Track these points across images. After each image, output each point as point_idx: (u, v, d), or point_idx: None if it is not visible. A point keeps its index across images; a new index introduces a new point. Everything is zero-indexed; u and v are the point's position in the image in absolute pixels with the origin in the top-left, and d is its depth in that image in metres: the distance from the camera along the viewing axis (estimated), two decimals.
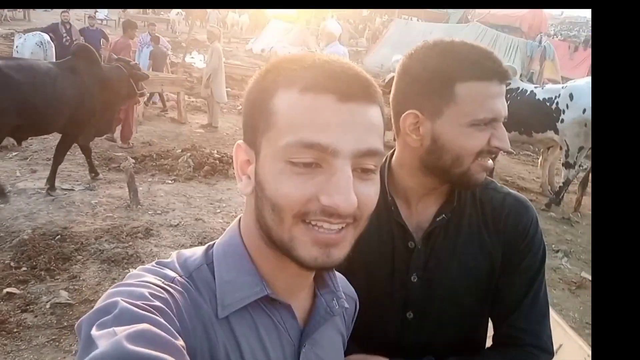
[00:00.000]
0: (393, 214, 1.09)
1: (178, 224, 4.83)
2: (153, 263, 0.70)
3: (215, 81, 8.40)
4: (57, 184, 5.23)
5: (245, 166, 0.69)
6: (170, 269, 0.68)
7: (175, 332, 0.56)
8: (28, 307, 3.28)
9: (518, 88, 6.79)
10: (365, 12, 28.50)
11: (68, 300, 3.39)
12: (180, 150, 6.88)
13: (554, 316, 2.22)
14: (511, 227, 1.08)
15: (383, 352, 1.06)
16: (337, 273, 0.83)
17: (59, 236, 4.22)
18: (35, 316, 3.20)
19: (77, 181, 5.59)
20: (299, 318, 0.74)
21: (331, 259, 0.64)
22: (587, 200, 6.83)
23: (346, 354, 0.97)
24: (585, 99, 5.99)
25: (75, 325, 0.57)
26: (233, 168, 0.72)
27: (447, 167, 1.00)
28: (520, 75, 12.27)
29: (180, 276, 0.67)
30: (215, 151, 6.97)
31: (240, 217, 0.75)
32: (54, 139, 6.63)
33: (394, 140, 1.12)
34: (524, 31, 20.28)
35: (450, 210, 1.08)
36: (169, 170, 6.24)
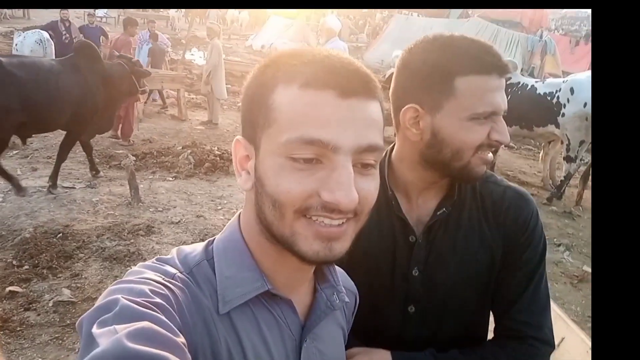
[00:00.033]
0: (394, 209, 1.09)
1: (179, 221, 4.83)
2: (153, 259, 0.70)
3: (215, 78, 8.39)
4: (58, 181, 5.24)
5: (245, 161, 0.69)
6: (171, 266, 0.68)
7: (176, 329, 0.56)
8: (31, 305, 3.29)
9: (519, 82, 6.79)
10: None
11: (70, 298, 3.40)
12: (180, 148, 6.88)
13: (556, 310, 2.22)
14: (511, 220, 1.08)
15: (385, 346, 1.06)
16: (337, 267, 0.83)
17: (61, 234, 4.23)
18: (38, 314, 3.21)
19: (78, 179, 5.60)
20: (299, 313, 0.74)
21: (333, 253, 0.64)
22: (588, 194, 6.83)
23: (348, 347, 0.98)
24: (586, 93, 5.98)
25: (77, 323, 0.57)
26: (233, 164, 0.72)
27: (447, 161, 1.00)
28: (521, 70, 12.24)
29: (181, 272, 0.67)
30: (216, 148, 6.97)
31: (240, 213, 0.75)
32: (54, 137, 6.65)
33: (395, 136, 1.12)
34: (524, 26, 20.21)
35: (450, 204, 1.08)
36: (169, 168, 6.24)
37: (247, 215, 0.72)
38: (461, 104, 0.96)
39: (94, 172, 5.69)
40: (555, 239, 5.47)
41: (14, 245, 3.98)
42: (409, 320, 1.11)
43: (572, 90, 6.16)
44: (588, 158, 7.15)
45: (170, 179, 5.97)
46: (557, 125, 6.33)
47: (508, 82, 6.66)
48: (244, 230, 0.72)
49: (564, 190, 6.71)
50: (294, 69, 0.63)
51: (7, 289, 3.39)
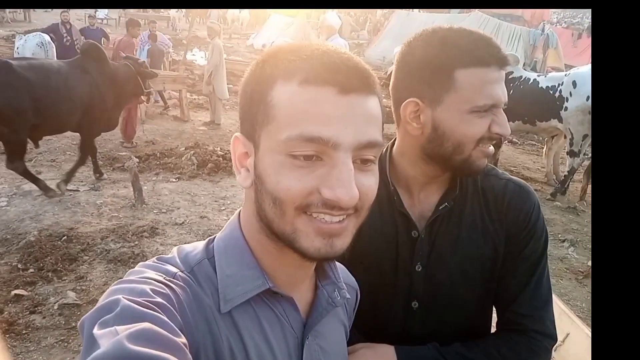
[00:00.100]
0: (395, 204, 1.09)
1: (183, 222, 4.84)
2: (154, 259, 0.69)
3: (216, 78, 8.39)
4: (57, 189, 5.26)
5: (244, 159, 0.69)
6: (172, 265, 0.68)
7: (177, 329, 0.56)
8: (36, 308, 3.30)
9: (521, 77, 6.75)
10: None
11: (76, 300, 3.41)
12: (183, 148, 6.90)
13: (561, 306, 2.21)
14: (513, 214, 1.08)
15: (388, 341, 1.06)
16: (337, 263, 0.83)
17: (65, 237, 4.25)
18: (44, 317, 3.22)
19: (82, 182, 5.61)
20: (301, 310, 0.74)
21: (334, 249, 0.64)
22: None
23: (351, 343, 0.97)
24: (588, 86, 5.93)
25: (79, 323, 0.57)
26: None
27: (449, 155, 1.00)
28: (524, 64, 12.19)
29: (182, 271, 0.67)
30: (219, 148, 6.98)
31: (239, 211, 0.75)
32: (57, 140, 6.68)
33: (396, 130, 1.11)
34: (526, 20, 20.16)
35: (452, 198, 1.08)
36: (172, 169, 6.26)
37: (247, 213, 0.71)
38: (461, 97, 0.96)
39: (97, 175, 5.72)
40: (559, 235, 5.44)
41: (19, 249, 4.00)
42: (412, 315, 1.10)
43: (574, 84, 6.12)
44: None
45: (174, 180, 5.98)
46: (560, 120, 6.29)
47: (510, 77, 6.64)
48: (244, 228, 0.72)
49: (567, 186, 6.68)
50: (292, 65, 0.63)
51: (13, 292, 3.41)
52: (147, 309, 0.56)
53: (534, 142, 9.83)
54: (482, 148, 1.00)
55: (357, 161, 0.62)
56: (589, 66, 6.74)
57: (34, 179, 4.97)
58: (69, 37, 9.27)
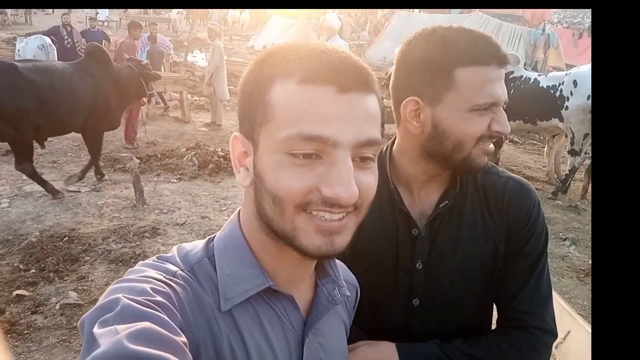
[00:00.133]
0: (396, 202, 1.09)
1: (184, 223, 4.84)
2: (154, 258, 0.69)
3: (217, 79, 8.39)
4: (62, 185, 5.27)
5: (243, 158, 0.69)
6: (172, 263, 0.68)
7: (177, 328, 0.56)
8: (38, 308, 3.31)
9: (522, 76, 6.75)
10: None
11: (77, 300, 3.41)
12: (184, 149, 6.90)
13: (562, 304, 2.21)
14: (514, 211, 1.08)
15: (389, 339, 1.06)
16: (337, 261, 0.83)
17: (67, 238, 4.25)
18: (45, 317, 3.23)
19: (83, 183, 5.61)
20: (301, 308, 0.74)
21: (334, 247, 0.64)
22: None
23: (353, 340, 0.98)
24: (589, 85, 5.93)
25: (79, 323, 0.57)
26: None
27: (449, 153, 1.00)
28: (524, 64, 12.18)
29: (182, 270, 0.67)
30: (220, 149, 6.98)
31: (239, 210, 0.75)
32: (58, 142, 6.69)
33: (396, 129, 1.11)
34: (527, 20, 20.14)
35: (453, 196, 1.08)
36: (174, 170, 6.26)
37: (247, 211, 0.71)
38: (461, 96, 0.96)
39: (99, 176, 5.72)
40: (561, 234, 5.44)
41: (20, 250, 4.00)
42: (413, 313, 1.11)
43: (575, 83, 6.12)
44: None
45: (175, 180, 5.98)
46: (561, 119, 6.29)
47: (511, 76, 6.63)
48: (244, 227, 0.72)
49: (569, 184, 6.67)
50: (291, 64, 0.63)
51: (15, 292, 3.41)
52: (147, 307, 0.56)
53: (535, 142, 9.82)
54: (482, 146, 1.00)
55: (357, 159, 0.63)
56: (589, 65, 6.74)
57: (41, 182, 4.99)
58: (69, 40, 9.29)
